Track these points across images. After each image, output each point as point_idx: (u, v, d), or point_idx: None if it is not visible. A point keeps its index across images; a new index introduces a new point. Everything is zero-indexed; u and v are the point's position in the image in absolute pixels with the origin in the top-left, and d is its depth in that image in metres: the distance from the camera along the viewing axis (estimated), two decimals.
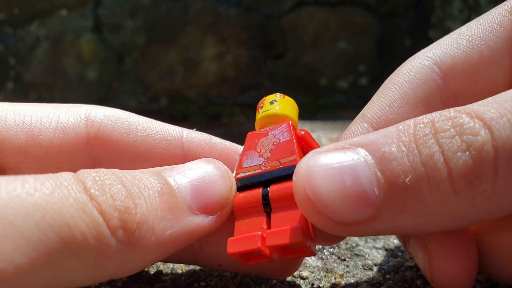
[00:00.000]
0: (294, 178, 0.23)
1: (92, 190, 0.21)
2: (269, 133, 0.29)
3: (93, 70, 1.66)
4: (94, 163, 0.29)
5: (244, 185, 0.27)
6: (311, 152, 0.23)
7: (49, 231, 0.18)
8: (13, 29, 1.70)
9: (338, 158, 0.22)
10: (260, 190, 0.26)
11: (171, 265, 0.34)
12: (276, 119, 0.29)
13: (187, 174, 0.25)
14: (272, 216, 0.26)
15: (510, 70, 0.28)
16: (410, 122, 0.22)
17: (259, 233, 0.24)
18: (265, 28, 1.56)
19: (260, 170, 0.27)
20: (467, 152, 0.20)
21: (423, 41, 1.49)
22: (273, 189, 0.26)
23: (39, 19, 1.68)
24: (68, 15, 1.65)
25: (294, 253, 0.25)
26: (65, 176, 0.21)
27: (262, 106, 0.30)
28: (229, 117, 1.56)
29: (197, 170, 0.26)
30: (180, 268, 0.33)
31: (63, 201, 0.19)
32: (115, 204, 0.21)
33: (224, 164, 0.28)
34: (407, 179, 0.20)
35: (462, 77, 0.28)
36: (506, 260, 0.24)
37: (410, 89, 0.29)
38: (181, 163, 0.28)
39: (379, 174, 0.21)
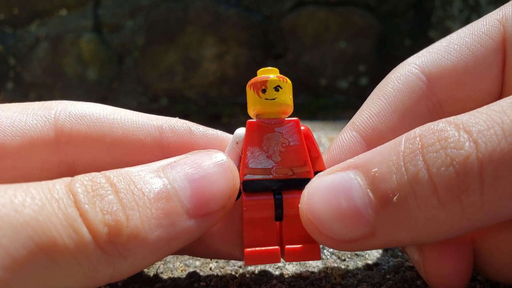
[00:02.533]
0: (300, 203, 0.25)
1: (82, 204, 0.20)
2: (276, 129, 0.27)
3: (93, 70, 1.66)
4: (69, 169, 0.28)
5: (254, 190, 0.26)
6: (314, 177, 0.25)
7: (37, 250, 0.18)
8: (13, 29, 1.70)
9: (333, 181, 0.23)
10: (272, 196, 0.26)
11: (171, 265, 0.34)
12: (280, 110, 0.27)
13: (187, 172, 0.24)
14: (285, 225, 0.26)
15: (494, 81, 0.29)
16: (402, 138, 0.23)
17: (278, 247, 0.25)
18: (265, 28, 1.56)
19: (271, 176, 0.26)
20: (451, 167, 0.20)
21: (423, 41, 1.49)
22: (287, 197, 0.26)
23: (39, 19, 1.68)
24: (68, 15, 1.65)
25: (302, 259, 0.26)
26: (58, 188, 0.21)
27: (265, 90, 0.26)
28: (229, 117, 1.56)
29: (198, 167, 0.24)
30: (181, 268, 0.33)
31: (52, 219, 0.19)
32: (104, 219, 0.21)
33: None
34: (395, 197, 0.21)
35: (448, 86, 0.29)
36: (503, 260, 0.24)
37: (398, 98, 0.29)
38: (160, 153, 0.28)
39: (370, 194, 0.22)
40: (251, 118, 0.28)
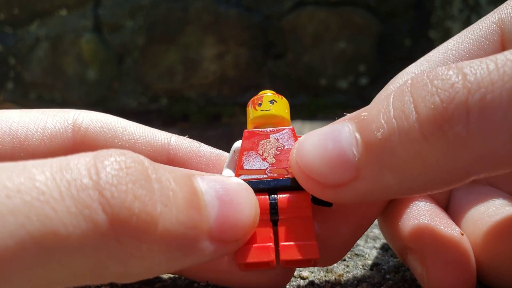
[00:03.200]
0: (291, 152, 0.24)
1: (108, 186, 0.17)
2: (271, 135, 0.28)
3: (93, 70, 1.66)
4: None
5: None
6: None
7: (29, 243, 0.15)
8: (13, 29, 1.70)
9: (324, 129, 0.23)
10: (267, 196, 0.26)
11: None
12: (275, 120, 0.28)
13: (218, 191, 0.22)
14: (280, 226, 0.25)
15: None
16: (395, 87, 0.22)
17: (272, 244, 0.24)
18: (265, 28, 1.56)
19: (265, 176, 0.26)
20: (435, 95, 0.19)
21: (423, 41, 1.49)
22: (282, 198, 0.25)
23: (39, 19, 1.68)
24: (68, 15, 1.65)
25: (299, 264, 0.25)
26: (75, 165, 0.17)
27: (260, 103, 0.28)
28: (229, 117, 1.56)
29: (227, 189, 0.22)
30: None
31: (54, 205, 0.16)
32: (135, 206, 0.17)
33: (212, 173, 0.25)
34: (378, 133, 0.20)
35: None
36: (504, 268, 0.24)
37: None
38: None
39: (357, 135, 0.21)
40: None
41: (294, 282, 0.30)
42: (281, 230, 0.25)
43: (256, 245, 0.24)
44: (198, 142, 0.31)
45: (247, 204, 0.23)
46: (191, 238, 0.20)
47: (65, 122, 0.29)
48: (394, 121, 0.20)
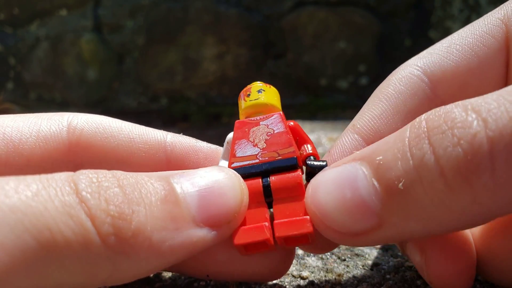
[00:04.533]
0: (305, 197, 0.24)
1: (84, 193, 0.19)
2: (261, 122, 0.28)
3: (93, 70, 1.66)
4: (77, 169, 0.28)
5: (241, 174, 0.26)
6: (321, 171, 0.25)
7: (27, 236, 0.17)
8: (13, 29, 1.70)
9: (338, 173, 0.23)
10: (260, 180, 0.26)
11: None
12: (265, 108, 0.29)
13: (196, 182, 0.23)
14: (275, 207, 0.26)
15: (498, 81, 0.28)
16: (407, 126, 0.22)
17: (267, 224, 0.25)
18: (265, 28, 1.56)
19: (257, 160, 0.27)
20: (458, 146, 0.19)
21: (423, 41, 1.49)
22: (274, 179, 0.26)
23: (39, 19, 1.68)
24: (68, 15, 1.65)
25: (296, 242, 0.25)
26: (57, 177, 0.20)
27: (249, 94, 0.29)
28: (229, 117, 1.56)
29: (207, 178, 0.24)
30: None
31: (46, 204, 0.18)
32: (108, 208, 0.20)
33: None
34: (400, 184, 0.20)
35: (451, 87, 0.28)
36: (506, 264, 0.24)
37: (400, 99, 0.29)
38: (164, 168, 0.28)
39: (375, 183, 0.21)
40: None
41: (294, 282, 0.30)
42: (276, 210, 0.26)
43: (251, 225, 0.25)
44: (195, 139, 0.31)
45: (230, 188, 0.24)
46: (173, 229, 0.21)
47: (59, 124, 0.29)
48: (415, 171, 0.20)
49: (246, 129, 0.28)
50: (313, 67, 1.56)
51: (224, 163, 0.29)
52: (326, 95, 1.56)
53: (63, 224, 0.18)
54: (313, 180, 0.24)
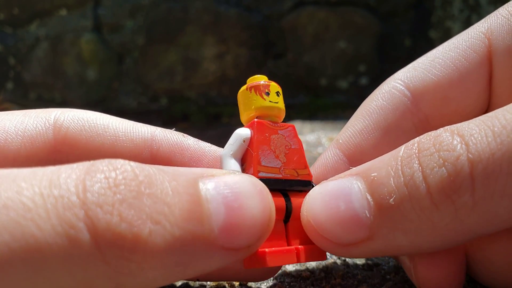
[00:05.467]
0: (301, 207, 0.25)
1: (93, 207, 0.17)
2: (279, 131, 0.27)
3: (93, 70, 1.66)
4: None
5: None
6: (319, 184, 0.26)
7: (14, 259, 0.15)
8: (13, 29, 1.70)
9: (334, 186, 0.24)
10: (283, 198, 0.26)
11: None
12: (279, 114, 0.28)
13: (226, 195, 0.20)
14: (290, 227, 0.26)
15: (480, 95, 0.29)
16: (402, 146, 0.23)
17: (293, 248, 0.25)
18: (265, 28, 1.56)
19: (280, 176, 0.26)
20: (443, 168, 0.21)
21: (423, 41, 1.49)
22: (294, 201, 0.26)
23: (39, 19, 1.68)
24: (68, 15, 1.65)
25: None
26: (63, 179, 0.17)
27: (268, 93, 0.27)
28: (229, 117, 1.56)
29: (238, 193, 0.20)
30: None
31: (40, 223, 0.16)
32: (121, 227, 0.17)
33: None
34: (391, 199, 0.22)
35: (433, 101, 0.29)
36: (496, 267, 0.24)
37: (381, 115, 0.30)
38: (150, 161, 0.27)
39: (369, 197, 0.22)
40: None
41: (294, 282, 0.30)
42: (293, 231, 0.26)
43: (279, 248, 0.25)
44: (184, 134, 0.30)
45: (260, 207, 0.21)
46: (191, 251, 0.19)
47: (46, 123, 0.28)
48: (405, 188, 0.21)
49: (267, 135, 0.26)
50: (313, 67, 1.56)
51: (234, 164, 0.27)
52: (326, 95, 1.56)
53: (58, 247, 0.16)
54: (311, 192, 0.25)
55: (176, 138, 0.29)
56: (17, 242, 0.15)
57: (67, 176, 0.17)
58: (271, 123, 0.27)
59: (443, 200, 0.20)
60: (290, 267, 0.32)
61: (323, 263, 0.33)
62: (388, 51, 1.52)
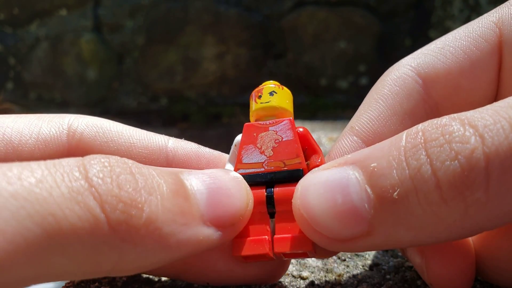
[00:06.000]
0: (293, 198, 0.24)
1: (95, 178, 0.19)
2: (270, 128, 0.27)
3: (93, 70, 1.66)
4: None
5: (247, 182, 0.26)
6: (309, 172, 0.24)
7: (29, 223, 0.17)
8: (13, 29, 1.70)
9: (329, 176, 0.22)
10: (264, 190, 0.26)
11: None
12: (276, 112, 0.28)
13: (205, 180, 0.23)
14: (277, 219, 0.25)
15: (490, 84, 0.28)
16: (403, 134, 0.22)
17: (267, 237, 0.25)
18: (265, 28, 1.56)
19: (263, 169, 0.26)
20: (456, 161, 0.19)
21: (423, 41, 1.49)
22: (278, 191, 0.25)
23: (39, 19, 1.68)
24: (68, 15, 1.65)
25: (297, 255, 0.25)
26: (65, 163, 0.19)
27: (260, 96, 0.28)
28: (229, 117, 1.56)
29: (215, 178, 0.23)
30: None
31: (51, 191, 0.18)
32: (120, 194, 0.19)
33: None
34: (395, 193, 0.20)
35: (444, 89, 0.29)
36: (505, 264, 0.24)
37: (396, 100, 0.29)
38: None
39: (369, 190, 0.21)
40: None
41: (294, 282, 0.30)
42: (278, 222, 0.25)
43: (251, 238, 0.25)
44: (197, 144, 0.30)
45: (238, 190, 0.24)
46: (182, 224, 0.21)
47: (60, 127, 0.29)
48: (410, 181, 0.20)
49: (255, 134, 0.27)
50: (313, 67, 1.56)
51: (230, 167, 0.28)
52: (326, 95, 1.56)
53: (69, 211, 0.18)
54: (303, 181, 0.23)
55: (190, 146, 0.30)
56: (33, 208, 0.17)
57: (67, 161, 0.20)
58: (261, 123, 0.28)
59: (454, 195, 0.19)
60: (290, 267, 0.32)
61: (323, 263, 0.33)
62: (388, 51, 1.52)
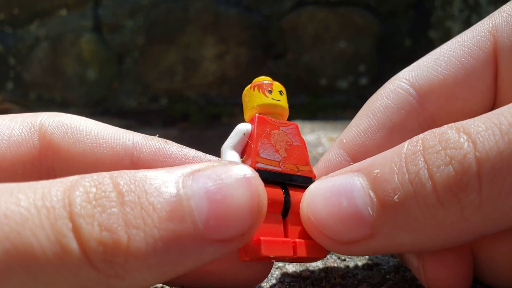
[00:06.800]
0: (300, 203, 0.25)
1: (77, 217, 0.18)
2: (280, 128, 0.27)
3: (93, 70, 1.66)
4: (49, 174, 0.28)
5: (264, 179, 0.24)
6: (318, 179, 0.25)
7: (15, 266, 0.17)
8: (13, 29, 1.70)
9: (335, 182, 0.23)
10: (281, 190, 0.26)
11: None
12: (282, 112, 0.28)
13: (209, 189, 0.20)
14: (289, 221, 0.26)
15: (486, 93, 0.29)
16: (405, 143, 0.23)
17: (290, 240, 0.25)
18: (265, 28, 1.56)
19: (280, 169, 0.26)
20: (450, 165, 0.20)
21: (423, 41, 1.49)
22: (294, 195, 0.26)
23: (39, 19, 1.68)
24: (68, 15, 1.65)
25: (305, 261, 0.26)
26: (53, 193, 0.19)
27: (271, 91, 0.28)
28: (229, 117, 1.56)
29: (221, 184, 0.21)
30: None
31: (36, 232, 0.17)
32: (101, 235, 0.18)
33: None
34: (395, 196, 0.21)
35: (439, 100, 0.29)
36: (503, 267, 0.24)
37: (386, 114, 0.30)
38: (131, 167, 0.27)
39: (372, 194, 0.22)
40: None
41: (294, 282, 0.30)
42: (291, 225, 0.26)
43: (275, 239, 0.24)
44: (167, 141, 0.29)
45: (247, 194, 0.21)
46: (178, 250, 0.20)
47: (31, 128, 0.28)
48: (410, 185, 0.21)
49: (268, 129, 0.27)
50: (313, 67, 1.56)
51: (234, 155, 0.27)
52: (326, 95, 1.56)
53: (52, 254, 0.18)
54: (311, 187, 0.24)
55: (158, 145, 0.28)
56: (17, 251, 0.17)
57: (56, 189, 0.19)
58: (273, 120, 0.27)
59: (450, 198, 0.20)
60: (290, 267, 0.32)
61: (323, 263, 0.33)
62: (388, 51, 1.52)
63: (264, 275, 0.28)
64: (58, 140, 0.28)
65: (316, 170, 0.30)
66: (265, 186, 0.23)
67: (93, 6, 1.63)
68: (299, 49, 1.56)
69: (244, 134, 0.27)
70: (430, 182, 0.21)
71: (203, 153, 0.29)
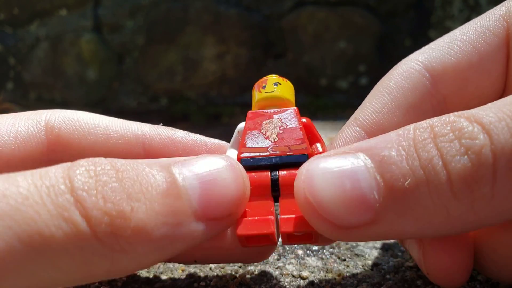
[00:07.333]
0: (295, 182, 0.23)
1: (79, 191, 0.19)
2: (274, 116, 0.28)
3: (93, 70, 1.66)
4: None
5: (250, 166, 0.26)
6: (313, 157, 0.24)
7: (16, 242, 0.17)
8: (13, 29, 1.70)
9: (338, 163, 0.22)
10: (268, 173, 0.26)
11: (171, 265, 0.34)
12: (279, 102, 0.28)
13: (199, 172, 0.22)
14: (281, 202, 0.25)
15: (498, 78, 0.28)
16: (410, 127, 0.22)
17: (272, 217, 0.24)
18: (265, 28, 1.56)
19: (268, 153, 0.26)
20: (466, 156, 0.20)
21: (423, 41, 1.49)
22: (283, 174, 0.25)
23: (39, 19, 1.68)
24: (68, 15, 1.65)
25: (299, 239, 0.25)
26: (52, 174, 0.19)
27: (265, 86, 0.29)
28: (229, 117, 1.56)
29: (209, 168, 0.23)
30: (180, 268, 0.33)
31: (37, 208, 0.18)
32: (105, 206, 0.19)
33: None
34: (406, 182, 0.20)
35: (452, 83, 0.29)
36: (504, 259, 0.24)
37: (401, 94, 0.29)
38: (143, 157, 0.28)
39: (378, 177, 0.21)
40: None
41: (294, 282, 0.30)
42: (282, 205, 0.25)
43: (256, 218, 0.24)
44: (173, 128, 0.30)
45: (233, 179, 0.23)
46: (174, 224, 0.21)
47: (37, 124, 0.29)
48: (421, 172, 0.20)
49: (259, 121, 0.28)
50: (313, 67, 1.56)
51: (233, 152, 0.28)
52: (326, 95, 1.56)
53: (55, 228, 0.18)
54: (308, 165, 0.23)
55: (166, 132, 0.30)
56: (19, 227, 0.17)
57: (55, 170, 0.19)
58: (265, 111, 0.28)
59: (463, 189, 0.20)
60: (290, 267, 0.32)
61: (323, 263, 0.33)
62: (388, 51, 1.52)
63: (268, 252, 0.28)
64: (66, 134, 0.29)
65: (331, 149, 0.29)
66: (252, 172, 0.25)
67: (93, 6, 1.63)
68: (299, 49, 1.56)
69: (238, 133, 0.29)
70: (444, 171, 0.20)
71: (208, 138, 0.30)
